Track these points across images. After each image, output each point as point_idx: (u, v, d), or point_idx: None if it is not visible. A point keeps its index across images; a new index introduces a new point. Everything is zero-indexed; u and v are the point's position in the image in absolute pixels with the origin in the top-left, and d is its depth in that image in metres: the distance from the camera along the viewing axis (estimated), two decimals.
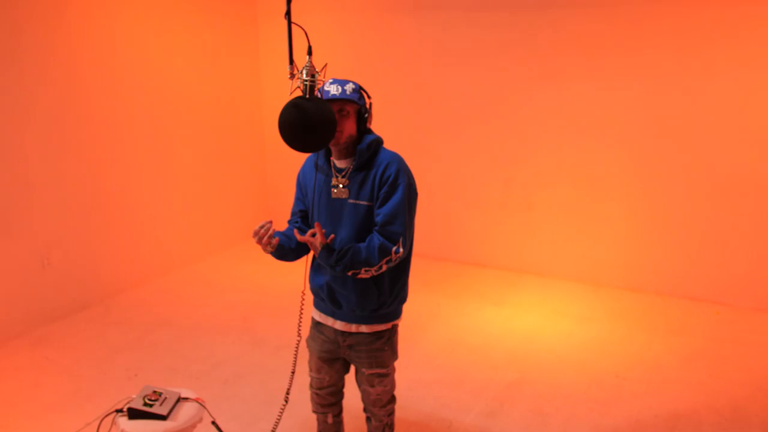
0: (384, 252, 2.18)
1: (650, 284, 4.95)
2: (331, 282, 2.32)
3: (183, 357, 3.86)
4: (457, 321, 4.44)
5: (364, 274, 2.22)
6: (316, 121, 1.97)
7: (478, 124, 5.27)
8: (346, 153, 2.26)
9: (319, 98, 2.05)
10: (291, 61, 2.07)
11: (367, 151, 2.24)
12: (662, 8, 4.43)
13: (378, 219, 2.23)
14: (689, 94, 4.48)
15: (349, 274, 2.21)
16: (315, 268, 2.42)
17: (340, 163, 2.29)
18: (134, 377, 3.60)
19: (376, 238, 2.20)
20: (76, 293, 4.47)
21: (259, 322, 4.39)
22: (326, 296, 2.37)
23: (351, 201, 2.27)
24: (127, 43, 4.62)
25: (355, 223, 2.27)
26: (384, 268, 2.22)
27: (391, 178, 2.23)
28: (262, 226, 2.16)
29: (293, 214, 2.51)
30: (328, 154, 2.32)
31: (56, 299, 4.32)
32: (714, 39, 4.32)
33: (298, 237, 2.16)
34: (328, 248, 2.20)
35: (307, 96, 2.03)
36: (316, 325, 2.52)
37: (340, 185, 2.28)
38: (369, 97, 2.31)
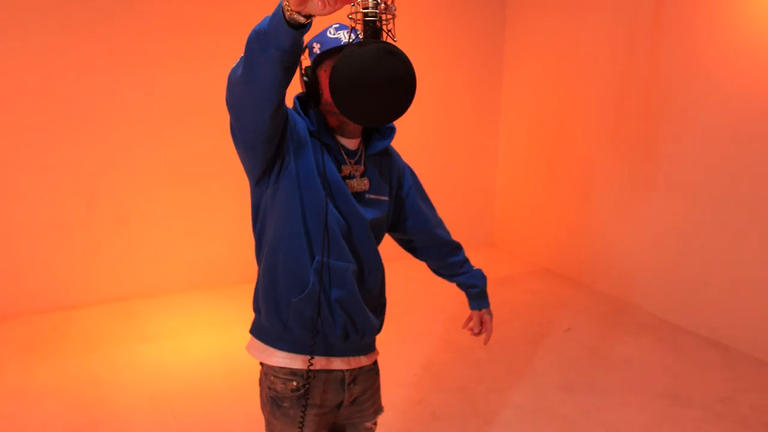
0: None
1: None
2: (346, 298, 1.54)
3: None
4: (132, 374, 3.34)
5: None
6: (412, 78, 1.31)
7: (38, 132, 3.98)
8: (360, 129, 1.58)
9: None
10: None
11: (392, 132, 1.66)
12: None
13: (433, 219, 1.85)
14: None
15: None
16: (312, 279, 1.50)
17: (350, 143, 1.57)
18: None
19: (459, 249, 1.91)
20: None
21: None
22: (336, 321, 1.55)
23: (372, 196, 1.62)
24: None
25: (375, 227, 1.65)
26: None
27: (413, 171, 1.81)
28: None
29: None
30: (326, 128, 1.53)
31: None
32: None
33: None
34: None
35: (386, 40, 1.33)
36: (300, 392, 1.55)
37: (357, 174, 1.58)
38: None
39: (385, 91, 1.32)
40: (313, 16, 1.15)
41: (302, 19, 1.13)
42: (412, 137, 5.15)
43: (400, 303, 4.24)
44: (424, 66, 5.14)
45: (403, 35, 4.95)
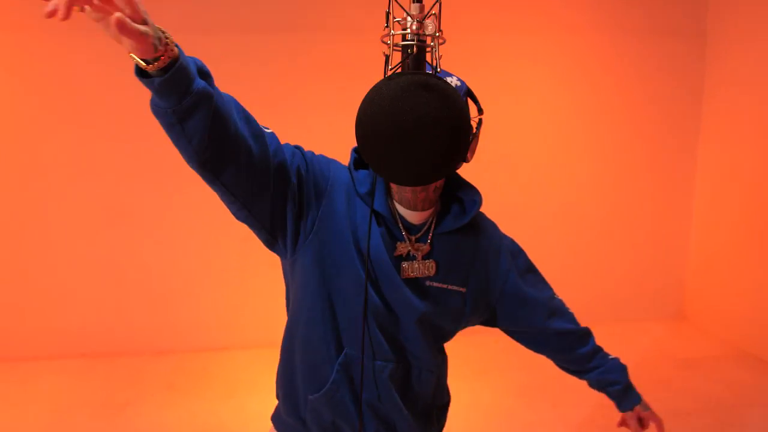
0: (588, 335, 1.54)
1: None
2: (380, 402, 1.27)
3: None
4: None
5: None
6: (455, 119, 1.04)
7: None
8: (429, 201, 1.24)
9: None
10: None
11: (474, 206, 1.29)
12: None
13: (547, 304, 1.44)
14: None
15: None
16: (337, 384, 1.26)
17: (412, 216, 1.25)
18: None
19: (586, 336, 1.52)
20: None
21: None
22: (365, 430, 1.29)
23: (435, 284, 1.27)
24: None
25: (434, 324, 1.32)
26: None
27: (515, 248, 1.45)
28: None
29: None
30: (384, 191, 1.24)
31: None
32: None
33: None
34: None
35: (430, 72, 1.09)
36: None
37: (419, 254, 1.25)
38: (480, 111, 1.26)
39: (414, 136, 1.01)
40: (159, 60, 0.88)
41: (137, 61, 0.88)
42: (588, 188, 4.66)
43: (549, 383, 3.72)
44: (599, 109, 4.64)
45: (581, 75, 4.67)
